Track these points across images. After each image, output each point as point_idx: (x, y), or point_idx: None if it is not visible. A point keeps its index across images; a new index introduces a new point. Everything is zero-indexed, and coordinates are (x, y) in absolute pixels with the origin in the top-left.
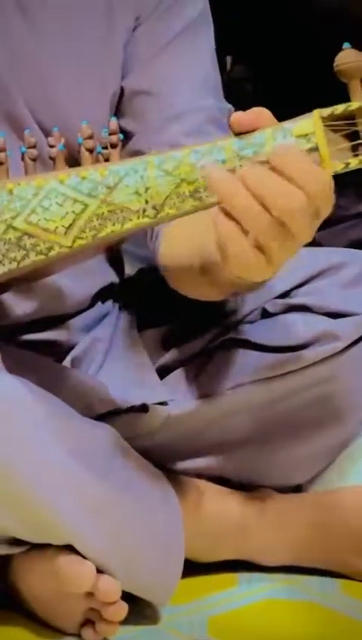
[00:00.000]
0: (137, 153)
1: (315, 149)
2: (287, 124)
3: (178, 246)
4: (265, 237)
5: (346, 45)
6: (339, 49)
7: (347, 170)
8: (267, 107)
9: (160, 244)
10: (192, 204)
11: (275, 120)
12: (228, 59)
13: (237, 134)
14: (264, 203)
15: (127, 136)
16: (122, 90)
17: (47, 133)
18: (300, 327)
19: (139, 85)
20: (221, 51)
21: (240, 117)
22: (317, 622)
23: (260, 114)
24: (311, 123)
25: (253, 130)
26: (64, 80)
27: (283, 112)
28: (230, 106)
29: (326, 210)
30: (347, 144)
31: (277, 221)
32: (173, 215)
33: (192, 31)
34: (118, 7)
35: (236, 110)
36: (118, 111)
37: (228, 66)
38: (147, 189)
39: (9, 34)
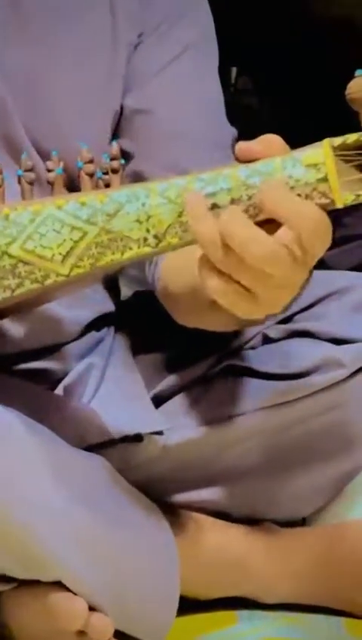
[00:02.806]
0: (137, 174)
1: (325, 179)
2: (297, 153)
3: (176, 275)
4: (246, 281)
5: (359, 72)
6: (344, 59)
7: (358, 202)
8: (271, 118)
9: (159, 274)
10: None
11: (287, 147)
12: (233, 70)
13: (244, 162)
14: (237, 251)
15: (126, 156)
16: (121, 108)
17: (44, 156)
18: (303, 353)
19: (139, 104)
20: (225, 63)
21: (248, 147)
22: None
23: (271, 143)
24: (321, 153)
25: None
26: (64, 99)
27: (289, 124)
28: (233, 129)
29: (319, 247)
30: (358, 175)
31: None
32: (175, 245)
33: (196, 50)
34: (122, 23)
35: (241, 123)
36: (117, 130)
37: (233, 78)
38: (149, 217)
39: (7, 51)
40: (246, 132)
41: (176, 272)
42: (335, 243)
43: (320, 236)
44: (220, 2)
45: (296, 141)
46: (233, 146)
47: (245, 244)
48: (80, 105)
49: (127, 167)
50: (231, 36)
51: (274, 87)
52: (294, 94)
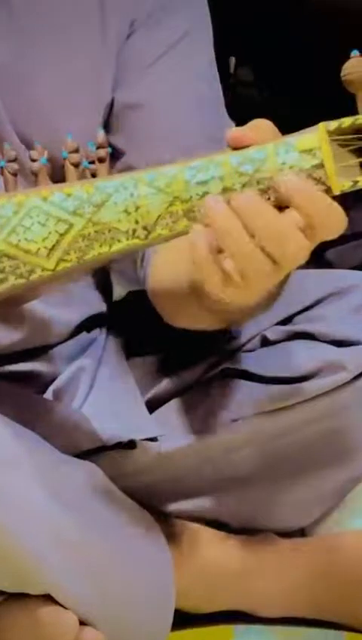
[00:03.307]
0: (129, 169)
1: (320, 165)
2: (290, 138)
3: (165, 272)
4: (244, 261)
5: (354, 53)
6: (342, 48)
7: (355, 188)
8: (271, 110)
9: (149, 272)
10: (186, 225)
11: (276, 130)
12: (232, 60)
13: (235, 149)
14: (250, 229)
15: (117, 153)
16: (112, 102)
17: (28, 146)
18: (303, 356)
19: (131, 98)
20: (224, 53)
21: (239, 133)
22: None
23: (261, 129)
24: (316, 137)
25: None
26: (50, 88)
27: (288, 114)
28: (231, 122)
29: (324, 234)
30: (355, 160)
31: (260, 247)
32: (165, 236)
33: (190, 40)
34: (112, 12)
35: (240, 114)
36: (107, 126)
37: (232, 68)
38: (137, 207)
39: None
40: (245, 123)
41: (166, 267)
42: (340, 240)
43: (327, 216)
44: None
45: (294, 130)
46: None
47: (265, 225)
48: (66, 96)
49: (119, 163)
50: (229, 25)
51: (274, 77)
52: (294, 84)
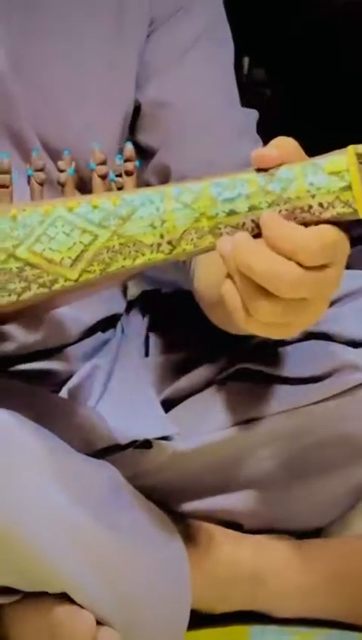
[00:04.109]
0: (162, 168)
1: (348, 187)
2: (319, 159)
3: (205, 275)
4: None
5: None
6: (358, 48)
7: None
8: (284, 111)
9: (195, 271)
10: (211, 241)
11: (300, 149)
12: (246, 60)
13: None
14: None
15: (148, 152)
16: (139, 103)
17: (52, 155)
18: (319, 356)
19: (159, 96)
20: (238, 53)
21: (263, 153)
22: None
23: (285, 147)
24: (344, 160)
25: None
26: (72, 98)
27: (302, 114)
28: (255, 111)
29: (326, 259)
30: None
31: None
32: (189, 252)
33: (211, 35)
34: (128, 12)
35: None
36: (137, 126)
37: (246, 68)
38: (163, 222)
39: (17, 45)
40: (259, 122)
41: (206, 270)
42: (355, 241)
43: (323, 248)
44: None
45: (308, 132)
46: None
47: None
48: (89, 104)
49: (152, 162)
50: (243, 26)
51: (287, 77)
52: (307, 84)
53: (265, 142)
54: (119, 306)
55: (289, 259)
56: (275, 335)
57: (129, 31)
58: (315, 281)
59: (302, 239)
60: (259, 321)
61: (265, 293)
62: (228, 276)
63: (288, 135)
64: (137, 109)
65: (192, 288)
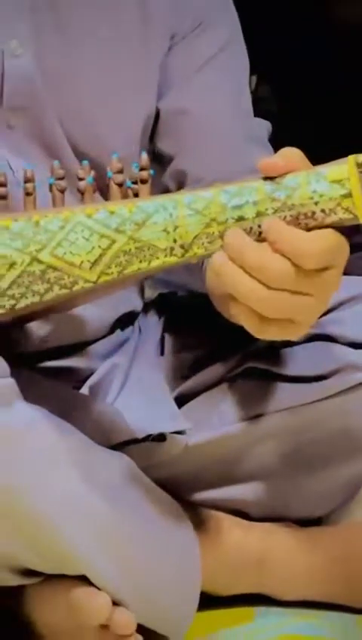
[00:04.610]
0: (179, 174)
1: (349, 195)
2: (322, 168)
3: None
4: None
5: None
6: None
7: None
8: (290, 127)
9: (207, 270)
10: (221, 245)
11: (306, 159)
12: (253, 78)
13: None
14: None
15: (165, 158)
16: (158, 111)
17: (78, 155)
18: (322, 357)
19: (177, 105)
20: None
21: (271, 162)
22: None
23: (291, 157)
24: (345, 169)
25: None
26: (98, 106)
27: (307, 129)
28: (268, 122)
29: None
30: None
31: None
32: (200, 255)
33: (229, 50)
34: (154, 26)
35: None
36: (156, 133)
37: (253, 86)
38: (176, 227)
39: (45, 47)
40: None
41: None
42: (354, 248)
43: (322, 252)
44: (241, 11)
45: (313, 145)
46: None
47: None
48: (113, 111)
49: (170, 167)
50: (252, 45)
51: (293, 94)
52: (310, 100)
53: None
54: (136, 305)
55: (293, 262)
56: (282, 336)
57: (152, 44)
58: (319, 281)
59: (304, 243)
60: (269, 326)
61: (274, 292)
62: (232, 298)
63: (293, 146)
64: (156, 117)
65: (204, 285)
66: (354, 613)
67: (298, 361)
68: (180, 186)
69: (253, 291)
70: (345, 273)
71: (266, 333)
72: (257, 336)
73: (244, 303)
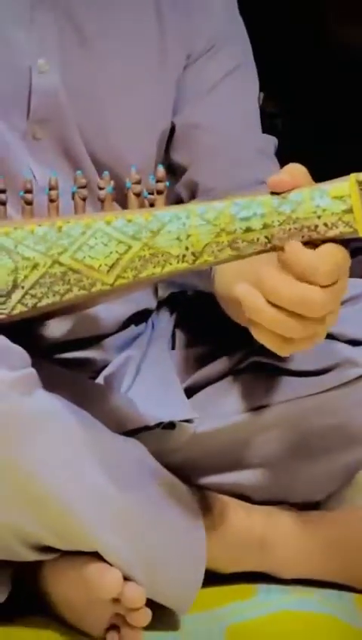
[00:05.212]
0: (192, 183)
1: (349, 210)
2: (324, 185)
3: (224, 278)
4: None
5: None
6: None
7: None
8: (296, 143)
9: (216, 276)
10: (230, 254)
11: (308, 174)
12: (261, 95)
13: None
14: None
15: (179, 169)
16: (173, 125)
17: (98, 165)
18: (323, 353)
19: (191, 120)
20: None
21: (277, 180)
22: (331, 634)
23: (296, 173)
24: (347, 186)
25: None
26: (119, 119)
27: (313, 148)
28: (274, 138)
29: (329, 280)
30: None
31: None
32: (210, 262)
33: (240, 70)
34: (171, 45)
35: None
36: (171, 146)
37: (260, 102)
38: (188, 236)
39: (70, 64)
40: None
41: (225, 274)
42: (354, 252)
43: (327, 271)
44: (250, 31)
45: (316, 159)
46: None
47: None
48: (131, 125)
49: (183, 178)
50: (260, 63)
51: (300, 112)
52: (319, 120)
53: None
54: (150, 303)
55: (309, 282)
56: (305, 347)
57: (170, 63)
58: (334, 294)
59: (317, 262)
60: (292, 345)
61: (296, 316)
62: (251, 322)
63: (297, 159)
64: (171, 131)
65: (213, 289)
66: (350, 591)
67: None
68: (192, 195)
69: (276, 320)
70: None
71: (289, 350)
72: (281, 354)
73: (269, 329)
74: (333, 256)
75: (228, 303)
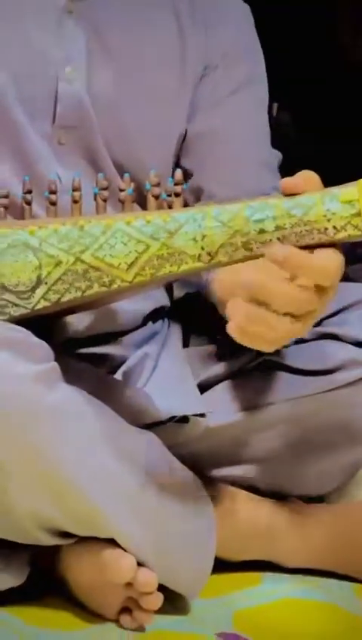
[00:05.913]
0: (197, 188)
1: (358, 214)
2: (335, 189)
3: (222, 282)
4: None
5: None
6: None
7: None
8: (310, 153)
9: (213, 276)
10: (243, 254)
11: (320, 180)
12: (275, 106)
13: (286, 194)
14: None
15: (187, 174)
16: (185, 132)
17: (119, 169)
18: (329, 353)
19: (201, 128)
20: (269, 99)
21: (292, 182)
22: (332, 621)
23: (309, 180)
24: (356, 191)
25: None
26: (140, 124)
27: (323, 154)
28: (279, 152)
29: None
30: None
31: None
32: (225, 262)
33: (252, 83)
34: (190, 56)
35: (281, 150)
36: (180, 151)
37: (274, 112)
38: (204, 236)
39: (95, 74)
40: (285, 159)
41: (222, 279)
42: (357, 259)
43: (327, 274)
44: (265, 44)
45: (327, 167)
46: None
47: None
48: (151, 132)
49: (190, 182)
50: (273, 75)
51: (314, 122)
52: (332, 130)
53: (291, 174)
54: (166, 301)
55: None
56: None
57: (189, 74)
58: (322, 298)
59: (318, 263)
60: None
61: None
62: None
63: (308, 167)
64: (183, 137)
65: (209, 298)
66: (351, 581)
67: (307, 357)
68: (197, 200)
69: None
70: (351, 280)
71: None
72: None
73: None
74: (333, 260)
75: (223, 302)
